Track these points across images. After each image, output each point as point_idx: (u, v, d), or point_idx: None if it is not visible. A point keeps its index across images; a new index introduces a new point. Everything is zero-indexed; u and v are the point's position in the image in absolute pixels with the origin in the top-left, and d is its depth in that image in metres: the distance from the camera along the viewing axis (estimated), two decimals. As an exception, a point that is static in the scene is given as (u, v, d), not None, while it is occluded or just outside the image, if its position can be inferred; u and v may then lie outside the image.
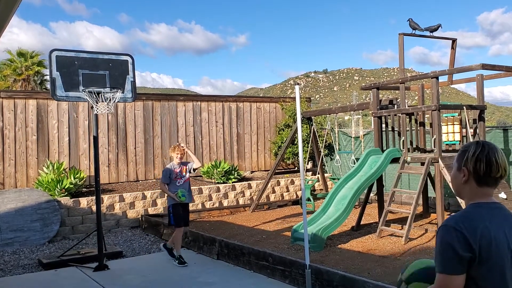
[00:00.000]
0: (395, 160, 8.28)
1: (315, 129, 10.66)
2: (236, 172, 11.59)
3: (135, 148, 11.22)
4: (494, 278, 1.74)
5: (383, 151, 8.51)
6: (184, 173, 6.91)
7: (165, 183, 6.85)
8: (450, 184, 2.03)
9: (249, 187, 11.39)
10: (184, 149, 7.00)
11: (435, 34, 10.03)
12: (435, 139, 7.76)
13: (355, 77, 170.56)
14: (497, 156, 1.84)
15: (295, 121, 12.12)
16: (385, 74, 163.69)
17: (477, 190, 1.87)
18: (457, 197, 2.05)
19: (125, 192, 9.89)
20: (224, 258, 6.85)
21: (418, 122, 8.71)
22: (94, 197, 8.91)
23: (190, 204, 10.46)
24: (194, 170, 7.07)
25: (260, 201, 10.80)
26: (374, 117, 8.79)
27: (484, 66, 7.54)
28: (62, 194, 9.12)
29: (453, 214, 1.87)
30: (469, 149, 1.89)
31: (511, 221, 1.84)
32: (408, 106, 8.72)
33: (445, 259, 1.72)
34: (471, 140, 8.15)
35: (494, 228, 1.76)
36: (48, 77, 16.87)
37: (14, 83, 23.86)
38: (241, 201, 11.19)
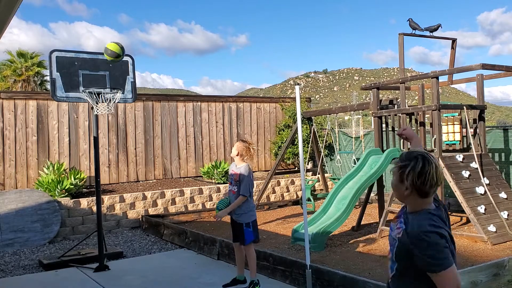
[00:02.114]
0: (395, 160, 8.27)
1: (315, 129, 10.66)
2: (236, 173, 11.57)
3: (135, 149, 11.22)
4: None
5: (383, 151, 8.51)
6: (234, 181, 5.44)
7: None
8: (393, 190, 2.22)
9: (250, 187, 11.37)
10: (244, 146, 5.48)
11: (435, 34, 10.04)
12: (435, 139, 7.76)
13: (355, 77, 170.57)
14: (434, 171, 2.03)
15: (295, 121, 12.12)
16: (385, 74, 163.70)
17: (421, 201, 2.09)
18: (399, 201, 2.23)
19: (125, 193, 9.89)
20: (225, 258, 6.85)
21: (418, 122, 8.71)
22: (94, 198, 8.92)
23: (191, 204, 10.50)
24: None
25: (260, 201, 10.80)
26: (374, 117, 8.79)
27: (484, 66, 7.54)
28: (62, 195, 9.13)
29: (419, 221, 2.05)
30: (411, 165, 2.05)
31: (448, 225, 2.17)
32: (408, 106, 8.72)
33: (446, 256, 1.96)
34: (472, 140, 8.16)
35: (445, 231, 2.06)
36: (48, 78, 16.88)
37: (14, 83, 23.87)
38: (241, 202, 11.18)
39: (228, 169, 11.38)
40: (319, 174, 11.00)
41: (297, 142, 6.82)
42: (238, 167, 5.44)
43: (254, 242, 5.47)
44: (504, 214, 7.33)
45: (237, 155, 5.45)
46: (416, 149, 2.17)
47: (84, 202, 9.21)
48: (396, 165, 2.13)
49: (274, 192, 11.76)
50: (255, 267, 5.45)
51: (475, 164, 7.80)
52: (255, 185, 11.30)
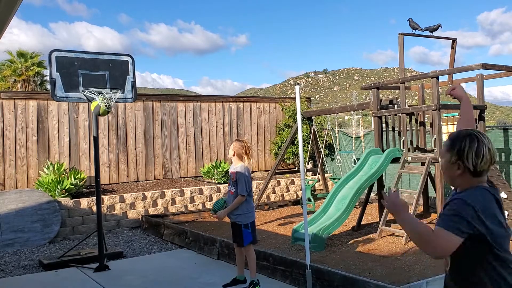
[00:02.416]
0: (395, 160, 8.28)
1: (315, 129, 10.66)
2: (236, 172, 11.57)
3: (135, 149, 11.22)
4: (503, 245, 1.95)
5: (383, 151, 8.51)
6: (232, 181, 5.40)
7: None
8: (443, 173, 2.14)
9: (250, 187, 11.37)
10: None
11: (435, 34, 10.04)
12: (435, 138, 7.76)
13: (355, 77, 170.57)
14: (487, 149, 1.95)
15: (295, 121, 12.12)
16: (385, 74, 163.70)
17: (473, 180, 2.00)
18: (450, 185, 2.20)
19: (125, 193, 9.89)
20: (225, 258, 6.85)
21: (418, 122, 8.71)
22: (94, 198, 8.91)
23: (191, 204, 10.50)
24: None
25: (260, 201, 10.79)
26: (374, 117, 8.79)
27: (484, 66, 7.54)
28: (62, 195, 9.13)
29: (471, 195, 1.95)
30: (462, 143, 1.97)
31: (499, 204, 2.00)
32: (408, 106, 8.72)
33: (453, 221, 1.88)
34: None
35: (495, 206, 1.95)
36: (48, 78, 16.87)
37: (14, 84, 23.89)
38: (241, 201, 11.18)
39: (228, 169, 11.40)
40: (319, 174, 10.99)
41: (297, 142, 6.82)
42: (235, 167, 5.38)
43: (252, 243, 5.43)
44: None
45: (234, 155, 5.40)
46: (466, 129, 2.09)
47: (84, 202, 9.21)
48: (446, 145, 2.05)
49: (274, 192, 11.76)
50: (255, 267, 5.43)
51: (475, 164, 7.79)
52: (255, 185, 11.35)
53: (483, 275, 1.95)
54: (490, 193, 1.97)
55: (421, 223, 2.05)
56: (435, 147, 7.79)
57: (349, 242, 7.40)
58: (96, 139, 6.90)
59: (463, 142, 1.98)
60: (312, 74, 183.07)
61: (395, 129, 8.91)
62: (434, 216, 8.91)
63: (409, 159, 8.10)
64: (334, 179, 11.01)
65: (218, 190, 10.88)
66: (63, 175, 9.51)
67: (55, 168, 9.68)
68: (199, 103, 12.32)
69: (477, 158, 1.94)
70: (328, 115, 11.30)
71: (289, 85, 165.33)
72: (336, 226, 7.32)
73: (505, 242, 1.96)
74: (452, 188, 2.16)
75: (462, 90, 2.51)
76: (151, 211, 9.89)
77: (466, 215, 1.88)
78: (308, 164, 12.84)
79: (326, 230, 7.10)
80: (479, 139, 1.96)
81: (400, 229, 7.60)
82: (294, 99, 13.31)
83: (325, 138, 11.23)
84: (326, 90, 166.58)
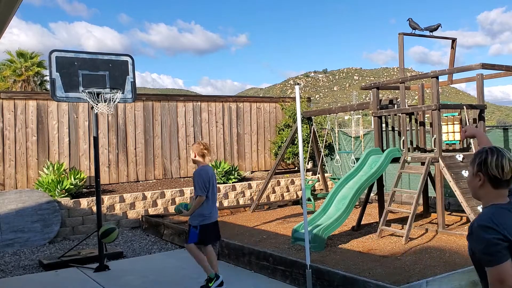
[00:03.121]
0: (395, 160, 8.28)
1: (315, 129, 10.66)
2: (236, 172, 11.59)
3: (135, 149, 11.22)
4: None
5: (383, 151, 8.51)
6: None
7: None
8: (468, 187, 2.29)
9: (249, 187, 11.39)
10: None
11: (435, 33, 10.04)
12: (435, 138, 7.76)
13: (355, 77, 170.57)
14: (507, 160, 2.08)
15: (295, 121, 12.12)
16: (385, 74, 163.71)
17: (493, 192, 2.11)
18: (475, 199, 2.28)
19: (125, 193, 9.89)
20: (225, 258, 6.85)
21: (418, 122, 8.71)
22: (94, 198, 8.92)
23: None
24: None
25: (260, 201, 10.79)
26: (374, 117, 8.79)
27: (484, 66, 7.54)
28: (62, 195, 9.13)
29: (481, 215, 2.08)
30: (482, 156, 2.12)
31: None
32: (408, 105, 8.72)
33: (492, 253, 1.93)
34: (472, 140, 8.16)
35: None
36: (48, 78, 16.88)
37: (14, 84, 23.88)
38: (241, 201, 11.19)
39: (228, 169, 11.41)
40: (319, 174, 11.00)
41: (297, 142, 6.82)
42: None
43: (196, 244, 5.41)
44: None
45: (195, 157, 5.52)
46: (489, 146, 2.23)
47: (84, 202, 9.21)
48: (470, 160, 2.21)
49: (274, 192, 11.76)
50: (204, 265, 5.41)
51: (475, 164, 7.79)
52: (255, 185, 11.35)
53: None
54: (503, 209, 2.07)
55: None
56: (435, 147, 7.79)
57: (349, 242, 7.40)
58: (96, 139, 6.90)
59: (483, 154, 2.13)
60: (312, 74, 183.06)
61: (395, 129, 8.91)
62: (434, 216, 8.91)
63: (409, 159, 8.10)
64: (334, 179, 11.02)
65: (218, 190, 10.88)
66: (63, 175, 9.51)
67: (55, 168, 9.68)
68: (199, 103, 12.32)
69: (496, 169, 2.07)
70: (328, 115, 11.30)
71: (289, 85, 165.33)
72: (336, 226, 7.32)
73: None
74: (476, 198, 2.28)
75: (472, 128, 2.66)
76: (151, 211, 9.89)
77: (489, 236, 1.97)
78: (308, 164, 12.85)
79: (326, 230, 7.10)
80: (499, 152, 2.10)
81: (400, 229, 7.60)
82: (294, 99, 13.31)
83: (325, 138, 11.23)
84: (326, 90, 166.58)
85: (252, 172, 12.91)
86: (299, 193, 11.88)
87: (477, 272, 2.16)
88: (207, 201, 5.41)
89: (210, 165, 5.55)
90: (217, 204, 10.86)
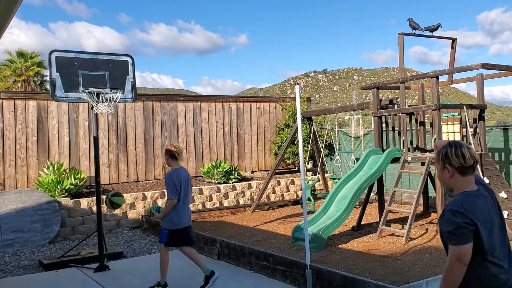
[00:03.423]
0: (395, 160, 8.28)
1: (315, 129, 10.66)
2: (236, 172, 11.60)
3: (135, 149, 11.22)
4: (489, 241, 2.29)
5: (383, 150, 8.51)
6: None
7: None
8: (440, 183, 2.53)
9: (250, 187, 11.39)
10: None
11: (435, 33, 10.04)
12: (435, 138, 7.76)
13: (355, 77, 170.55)
14: (466, 149, 2.37)
15: (295, 121, 12.12)
16: (385, 74, 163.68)
17: (462, 180, 2.39)
18: (449, 191, 2.54)
19: (125, 193, 9.89)
20: (225, 259, 6.85)
21: (418, 122, 8.71)
22: (94, 198, 8.92)
23: (191, 204, 10.48)
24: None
25: (260, 201, 10.79)
26: (374, 116, 8.79)
27: (484, 66, 7.53)
28: (62, 195, 9.13)
29: (453, 201, 2.34)
30: (443, 151, 2.41)
31: (490, 204, 2.41)
32: (408, 105, 8.72)
33: (459, 234, 2.22)
34: (472, 139, 8.17)
35: (483, 208, 2.32)
36: (48, 78, 16.87)
37: (14, 84, 23.88)
38: (241, 201, 11.19)
39: (228, 169, 11.40)
40: (319, 174, 10.99)
41: (297, 141, 6.83)
42: None
43: (165, 246, 5.48)
44: (504, 214, 7.33)
45: (168, 160, 5.66)
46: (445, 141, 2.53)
47: (84, 202, 9.21)
48: (435, 159, 2.48)
49: (274, 192, 11.76)
50: (163, 270, 5.49)
51: (475, 164, 7.79)
52: (255, 185, 11.35)
53: (470, 270, 2.29)
54: (471, 195, 2.34)
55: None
56: (435, 147, 7.78)
57: (349, 242, 7.40)
58: (96, 139, 6.90)
59: (444, 149, 2.42)
60: (312, 74, 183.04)
61: (395, 129, 8.91)
62: (434, 216, 8.91)
63: (409, 159, 8.10)
64: (334, 179, 11.02)
65: (218, 190, 10.88)
66: (63, 175, 9.51)
67: (55, 168, 9.68)
68: (199, 103, 12.32)
69: (458, 158, 2.35)
70: (328, 115, 11.30)
71: (289, 85, 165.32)
72: (336, 226, 7.32)
73: (490, 239, 2.30)
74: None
75: (441, 142, 2.83)
76: (151, 211, 9.88)
77: (458, 220, 2.24)
78: (308, 164, 12.85)
79: (326, 230, 7.10)
80: (457, 143, 2.40)
81: (400, 229, 7.61)
82: (294, 99, 13.31)
83: (325, 138, 11.23)
84: (326, 90, 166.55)
85: (252, 172, 12.91)
86: (299, 193, 11.88)
87: (445, 251, 2.39)
88: (178, 203, 5.43)
89: (184, 167, 5.73)
90: (218, 204, 10.90)
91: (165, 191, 10.22)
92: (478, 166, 7.74)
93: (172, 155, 5.60)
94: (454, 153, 2.37)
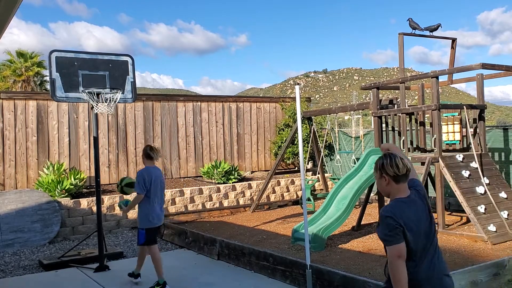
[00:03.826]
0: (395, 160, 8.27)
1: (315, 129, 10.66)
2: (236, 172, 11.60)
3: (135, 149, 11.21)
4: (415, 238, 2.60)
5: (383, 151, 8.50)
6: None
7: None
8: (380, 190, 2.84)
9: (249, 187, 11.39)
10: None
11: (435, 33, 10.04)
12: (435, 138, 7.76)
13: (355, 77, 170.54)
14: (399, 160, 2.67)
15: (295, 121, 12.12)
16: (385, 74, 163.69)
17: (396, 187, 2.70)
18: (386, 197, 2.88)
19: (125, 193, 9.88)
20: (225, 259, 6.85)
21: (418, 122, 8.71)
22: (94, 198, 8.92)
23: (191, 204, 10.51)
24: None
25: (260, 201, 10.80)
26: (374, 116, 8.79)
27: (484, 66, 7.54)
28: (62, 195, 9.13)
29: (386, 206, 2.67)
30: (380, 162, 2.72)
31: (420, 207, 2.69)
32: (408, 105, 8.72)
33: (393, 235, 2.55)
34: (471, 140, 8.18)
35: (411, 213, 2.63)
36: (48, 78, 16.87)
37: (14, 84, 23.86)
38: (241, 201, 11.19)
39: (228, 169, 11.41)
40: (319, 174, 10.99)
41: (297, 141, 6.84)
42: None
43: (146, 245, 5.71)
44: (504, 214, 7.33)
45: (142, 158, 5.92)
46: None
47: (84, 202, 9.21)
48: (374, 168, 2.79)
49: (274, 192, 11.76)
50: (158, 268, 5.65)
51: (475, 164, 7.81)
52: (255, 185, 11.35)
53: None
54: (401, 202, 2.67)
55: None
56: (435, 147, 7.79)
57: (349, 242, 7.40)
58: (96, 139, 6.90)
59: (380, 160, 2.72)
60: (312, 74, 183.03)
61: (395, 129, 8.92)
62: (434, 215, 8.90)
63: (409, 158, 8.09)
64: (334, 179, 11.02)
65: (218, 190, 10.88)
66: (63, 175, 9.51)
67: (55, 168, 9.68)
68: (199, 103, 12.32)
69: (392, 168, 2.65)
70: (328, 115, 11.30)
71: (289, 85, 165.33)
72: (336, 226, 7.32)
73: (414, 239, 2.60)
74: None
75: (385, 145, 3.15)
76: (151, 211, 9.87)
77: (389, 223, 2.56)
78: (308, 164, 12.85)
79: (326, 230, 7.10)
80: (392, 155, 2.70)
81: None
82: (294, 99, 13.31)
83: (325, 138, 11.23)
84: (326, 90, 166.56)
85: (252, 172, 12.91)
86: (299, 193, 11.88)
87: (386, 253, 2.64)
88: (149, 201, 5.67)
89: (158, 167, 5.99)
90: (218, 204, 10.90)
91: (165, 191, 10.21)
92: (479, 166, 7.75)
93: (147, 155, 5.81)
94: (389, 164, 2.67)
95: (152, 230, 5.73)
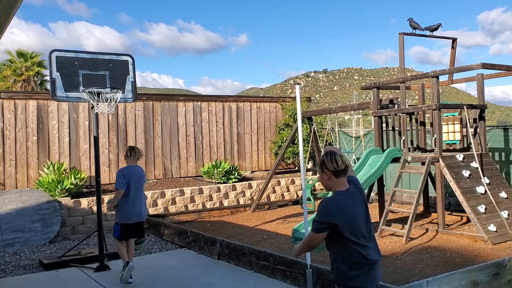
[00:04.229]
0: (395, 160, 8.28)
1: (315, 129, 10.66)
2: (236, 172, 11.60)
3: (135, 149, 11.20)
4: (353, 229, 2.89)
5: (383, 150, 8.50)
6: None
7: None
8: (322, 185, 3.12)
9: (250, 187, 11.39)
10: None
11: (435, 33, 10.04)
12: (435, 138, 7.76)
13: (355, 77, 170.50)
14: (338, 157, 2.96)
15: (295, 121, 12.12)
16: (385, 74, 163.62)
17: (336, 181, 2.98)
18: (329, 191, 3.15)
19: (125, 193, 9.88)
20: (225, 258, 6.85)
21: (418, 122, 8.71)
22: (94, 198, 8.91)
23: (191, 204, 10.50)
24: None
25: (260, 201, 10.79)
26: (374, 116, 8.79)
27: (484, 66, 7.54)
28: (62, 195, 9.13)
29: (327, 197, 2.96)
30: (322, 159, 3.00)
31: (357, 199, 2.99)
32: (408, 105, 8.72)
33: (320, 223, 2.88)
34: (472, 139, 8.17)
35: (349, 204, 2.92)
36: (48, 78, 16.85)
37: (14, 83, 23.85)
38: (241, 201, 11.19)
39: (228, 169, 11.41)
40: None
41: (297, 141, 6.84)
42: None
43: (119, 240, 6.01)
44: (505, 214, 7.33)
45: (125, 158, 6.24)
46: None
47: (85, 202, 9.21)
48: (317, 165, 3.09)
49: (274, 191, 11.76)
50: (123, 256, 6.02)
51: (475, 164, 7.80)
52: (255, 185, 11.35)
53: (340, 251, 2.93)
54: (341, 194, 2.95)
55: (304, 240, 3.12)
56: (435, 147, 7.79)
57: (349, 242, 7.38)
58: (96, 139, 6.90)
59: (322, 157, 3.01)
60: (312, 74, 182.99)
61: (395, 128, 8.91)
62: (434, 215, 8.91)
63: (409, 158, 8.10)
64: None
65: (218, 190, 10.88)
66: (63, 175, 9.51)
67: (55, 168, 9.68)
68: (199, 102, 12.32)
69: (332, 164, 2.94)
70: (328, 115, 11.30)
71: (289, 85, 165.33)
72: (336, 226, 7.30)
73: (354, 227, 2.88)
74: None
75: (328, 147, 3.42)
76: (151, 211, 9.89)
77: (322, 217, 2.87)
78: (308, 163, 12.85)
79: (326, 230, 7.08)
80: (332, 153, 2.99)
81: (401, 229, 7.61)
82: (294, 98, 13.31)
83: (325, 138, 11.23)
84: (326, 90, 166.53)
85: (253, 172, 12.91)
86: (299, 193, 11.88)
87: (325, 242, 2.99)
88: (128, 199, 5.91)
89: (140, 166, 6.28)
90: (218, 204, 10.90)
91: (165, 190, 10.23)
92: (479, 166, 7.75)
93: (127, 155, 6.14)
94: (329, 160, 2.95)
95: (127, 226, 5.96)
